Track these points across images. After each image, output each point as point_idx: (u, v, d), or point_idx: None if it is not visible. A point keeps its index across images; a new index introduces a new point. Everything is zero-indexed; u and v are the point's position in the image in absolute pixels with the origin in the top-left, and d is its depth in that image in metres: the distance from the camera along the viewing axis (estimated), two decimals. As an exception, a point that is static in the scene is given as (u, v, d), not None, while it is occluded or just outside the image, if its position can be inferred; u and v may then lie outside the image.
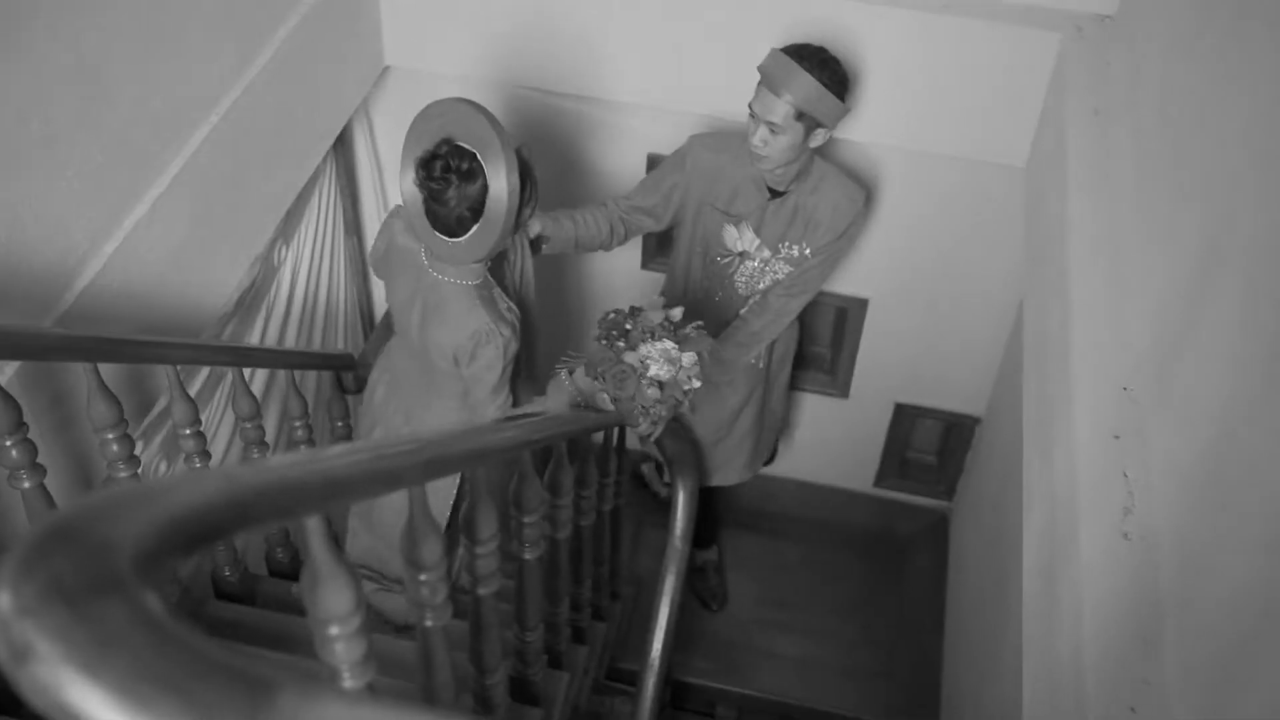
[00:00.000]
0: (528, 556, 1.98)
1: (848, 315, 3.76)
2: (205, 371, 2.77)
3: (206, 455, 2.44)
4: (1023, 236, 2.89)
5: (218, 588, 2.82)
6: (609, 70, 3.14)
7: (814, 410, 4.12)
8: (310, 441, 2.94)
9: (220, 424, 2.87)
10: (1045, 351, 2.24)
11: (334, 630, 1.10)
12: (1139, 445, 1.78)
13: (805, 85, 2.61)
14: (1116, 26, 2.70)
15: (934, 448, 4.24)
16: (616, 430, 2.97)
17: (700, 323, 2.51)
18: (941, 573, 4.23)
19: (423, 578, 1.39)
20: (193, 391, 2.64)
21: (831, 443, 4.16)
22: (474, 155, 2.29)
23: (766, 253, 2.96)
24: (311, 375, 3.35)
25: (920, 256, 3.53)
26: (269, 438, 2.87)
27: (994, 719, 2.87)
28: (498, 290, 2.53)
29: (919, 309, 3.69)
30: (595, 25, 3.06)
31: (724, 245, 2.99)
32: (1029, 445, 2.25)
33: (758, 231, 2.93)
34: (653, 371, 2.42)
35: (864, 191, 2.92)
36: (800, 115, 2.63)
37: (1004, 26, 2.79)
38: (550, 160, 3.41)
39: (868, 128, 3.06)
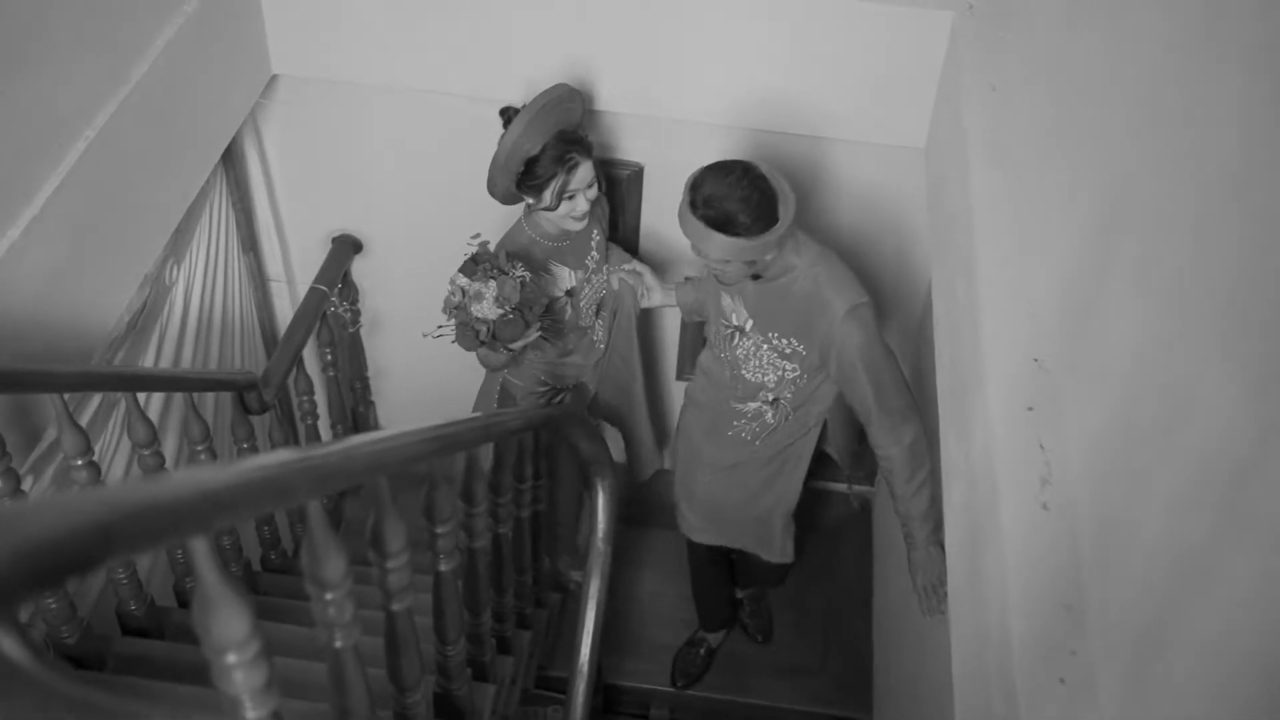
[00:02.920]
0: (443, 568, 1.92)
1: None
2: (98, 399, 2.65)
3: (102, 487, 2.34)
4: (926, 218, 2.90)
5: (123, 623, 2.70)
6: (504, 71, 3.08)
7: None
8: (215, 466, 2.83)
9: (116, 453, 2.75)
10: (955, 328, 2.24)
11: (231, 658, 1.03)
12: (1053, 415, 1.77)
13: (720, 246, 2.46)
14: (1008, 1, 2.71)
15: (853, 433, 4.24)
16: (533, 437, 2.92)
17: (522, 268, 2.81)
18: (867, 559, 4.25)
19: (328, 596, 1.32)
20: (84, 420, 2.53)
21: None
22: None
23: (758, 336, 2.81)
24: (210, 397, 3.23)
25: (825, 244, 3.52)
26: (169, 465, 2.76)
27: (928, 700, 2.87)
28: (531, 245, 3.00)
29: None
30: (489, 26, 3.00)
31: (724, 314, 2.89)
32: (945, 423, 2.24)
33: (748, 308, 2.80)
34: (455, 300, 2.86)
35: (857, 299, 2.64)
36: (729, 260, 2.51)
37: (895, 7, 2.79)
38: (449, 166, 3.34)
39: (762, 115, 3.04)
